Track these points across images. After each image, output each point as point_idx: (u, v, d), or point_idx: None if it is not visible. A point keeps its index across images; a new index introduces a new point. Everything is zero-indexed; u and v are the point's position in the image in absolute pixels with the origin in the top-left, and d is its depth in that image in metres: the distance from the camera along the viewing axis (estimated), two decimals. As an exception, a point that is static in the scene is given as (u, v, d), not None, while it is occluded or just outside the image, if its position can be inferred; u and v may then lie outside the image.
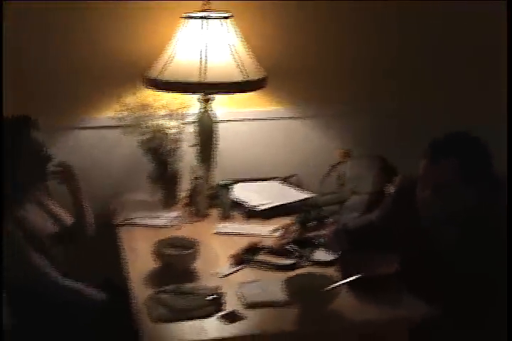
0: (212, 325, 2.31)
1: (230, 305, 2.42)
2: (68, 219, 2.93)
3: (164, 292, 2.47)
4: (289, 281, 2.43)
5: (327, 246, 2.82)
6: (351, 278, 2.46)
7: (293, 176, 3.69)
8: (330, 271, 2.62)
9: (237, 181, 3.46)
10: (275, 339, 2.34)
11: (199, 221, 3.25)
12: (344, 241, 2.76)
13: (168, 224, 3.18)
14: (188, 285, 2.53)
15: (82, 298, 2.63)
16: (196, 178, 3.28)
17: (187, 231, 3.08)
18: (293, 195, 3.44)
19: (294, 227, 3.06)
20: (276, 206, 3.30)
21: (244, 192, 3.42)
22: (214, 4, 3.26)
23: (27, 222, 2.64)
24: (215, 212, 3.31)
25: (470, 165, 2.47)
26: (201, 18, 3.18)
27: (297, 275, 2.55)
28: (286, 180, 3.65)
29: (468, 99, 3.88)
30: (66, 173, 2.85)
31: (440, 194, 2.49)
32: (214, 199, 3.34)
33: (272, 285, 2.52)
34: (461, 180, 2.46)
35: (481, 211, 2.51)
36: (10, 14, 3.22)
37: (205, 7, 3.22)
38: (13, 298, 2.71)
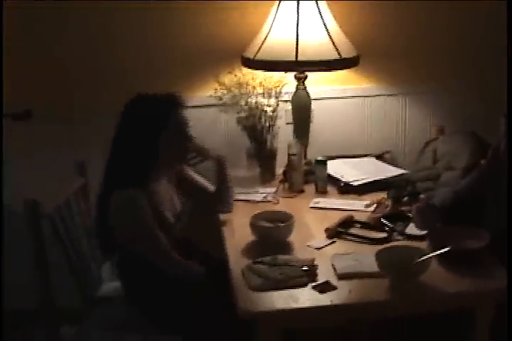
0: (306, 294, 2.41)
1: (323, 275, 2.51)
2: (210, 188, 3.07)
3: (261, 263, 2.58)
4: (380, 253, 2.50)
5: (413, 222, 2.85)
6: (440, 251, 2.51)
7: (387, 152, 3.75)
8: (422, 245, 2.68)
9: (332, 157, 3.54)
10: (366, 309, 2.43)
11: (295, 196, 3.34)
12: (430, 216, 2.80)
13: (266, 199, 3.28)
14: (284, 257, 2.62)
15: (189, 273, 2.73)
16: (292, 154, 3.36)
17: (283, 206, 3.18)
18: (387, 170, 3.49)
19: (388, 202, 3.12)
20: (371, 181, 3.36)
21: (340, 168, 3.49)
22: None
23: (158, 197, 2.76)
24: (310, 188, 3.40)
25: None
26: (295, -2, 3.26)
27: (389, 247, 2.63)
28: (380, 156, 3.71)
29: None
30: (204, 154, 2.99)
31: None
32: (309, 175, 3.43)
33: (364, 257, 2.60)
34: None
35: None
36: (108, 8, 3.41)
37: (299, -12, 3.30)
38: (124, 267, 2.85)
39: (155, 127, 2.67)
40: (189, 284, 2.70)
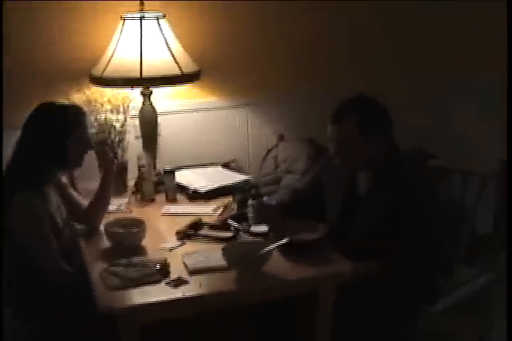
0: (160, 290, 2.61)
1: (176, 273, 2.71)
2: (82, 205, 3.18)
3: (117, 265, 2.75)
4: (225, 249, 2.74)
5: (252, 219, 3.10)
6: (279, 243, 2.77)
7: (233, 161, 3.99)
8: (265, 240, 2.93)
9: (180, 167, 3.75)
10: (216, 300, 2.64)
11: (147, 205, 3.52)
12: (263, 211, 3.06)
13: (119, 209, 3.43)
14: (138, 258, 2.81)
15: (68, 277, 2.87)
16: (142, 166, 3.55)
17: (136, 214, 3.33)
18: (232, 177, 3.72)
19: (233, 206, 3.34)
20: (217, 188, 3.58)
21: (188, 177, 3.70)
22: (148, 5, 3.53)
23: (50, 202, 2.90)
24: (161, 197, 3.59)
25: (366, 122, 2.83)
26: (138, 18, 3.46)
27: (233, 243, 2.88)
28: (226, 165, 3.94)
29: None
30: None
31: (342, 150, 2.86)
32: (160, 185, 3.63)
33: (212, 254, 2.82)
34: (359, 136, 2.83)
35: (386, 164, 2.89)
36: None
37: (141, 8, 3.50)
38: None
39: (61, 134, 2.88)
40: (64, 286, 2.84)
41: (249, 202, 3.12)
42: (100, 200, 3.18)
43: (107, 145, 3.31)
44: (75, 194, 3.20)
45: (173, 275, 2.69)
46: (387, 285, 2.82)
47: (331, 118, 2.88)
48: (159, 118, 3.73)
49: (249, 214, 3.08)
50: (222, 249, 2.73)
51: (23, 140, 2.90)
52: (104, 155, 3.22)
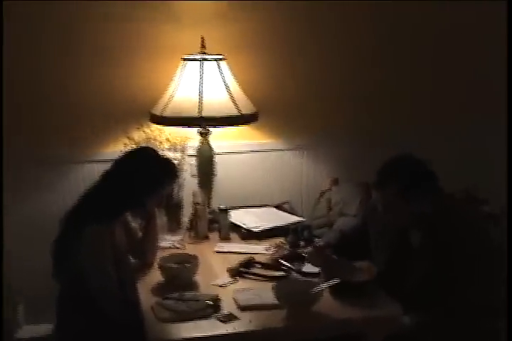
0: (211, 324, 2.64)
1: (227, 308, 2.75)
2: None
3: (169, 298, 2.79)
4: (277, 286, 2.76)
5: (309, 261, 3.14)
6: (329, 283, 2.79)
7: (286, 203, 4.03)
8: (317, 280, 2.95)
9: (235, 207, 3.80)
10: (265, 335, 2.66)
11: (200, 242, 3.57)
12: (320, 255, 3.09)
13: (173, 245, 3.49)
14: (190, 293, 2.85)
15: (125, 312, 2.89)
16: (197, 203, 3.61)
17: (190, 251, 3.36)
18: (285, 218, 3.76)
19: (286, 246, 3.37)
20: (270, 228, 3.62)
21: (241, 217, 3.75)
22: (209, 48, 3.63)
23: (117, 236, 2.98)
24: (215, 235, 3.64)
25: (409, 188, 2.84)
26: (199, 59, 3.56)
27: (285, 281, 2.92)
28: (279, 206, 3.98)
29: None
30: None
31: (387, 213, 2.92)
32: (214, 223, 3.68)
33: (263, 291, 2.85)
34: (401, 202, 2.86)
35: (436, 216, 2.89)
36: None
37: (202, 50, 3.60)
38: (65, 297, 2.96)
39: (151, 185, 2.98)
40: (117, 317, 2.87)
41: (304, 243, 3.18)
42: (147, 238, 3.24)
43: None
44: (136, 230, 3.25)
45: (224, 311, 2.73)
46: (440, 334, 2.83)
47: (373, 185, 2.92)
48: (216, 158, 3.80)
49: (308, 258, 3.14)
50: (273, 287, 2.75)
51: (112, 173, 2.98)
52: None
